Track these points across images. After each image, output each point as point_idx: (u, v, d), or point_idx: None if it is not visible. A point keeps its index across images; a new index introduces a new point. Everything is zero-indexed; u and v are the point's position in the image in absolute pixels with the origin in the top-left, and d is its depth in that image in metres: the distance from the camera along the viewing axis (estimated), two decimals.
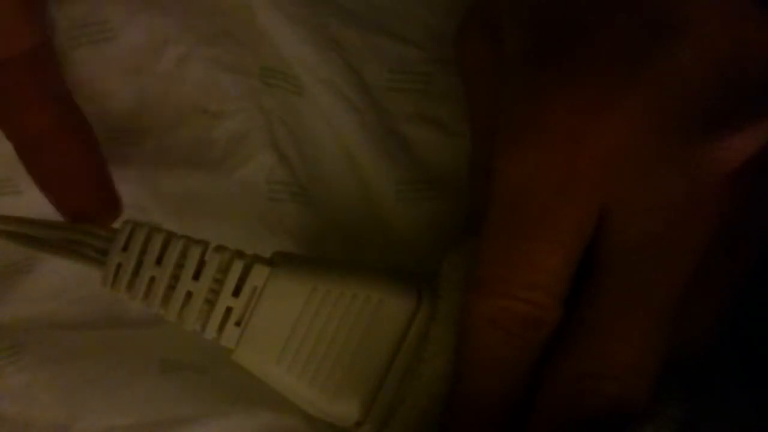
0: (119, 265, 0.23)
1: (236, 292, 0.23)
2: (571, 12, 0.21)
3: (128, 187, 0.27)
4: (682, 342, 0.22)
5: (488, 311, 0.22)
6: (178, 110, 0.28)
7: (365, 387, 0.24)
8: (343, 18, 0.27)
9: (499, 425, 0.22)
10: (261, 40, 0.27)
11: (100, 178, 0.25)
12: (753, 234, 0.23)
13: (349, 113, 0.27)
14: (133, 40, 0.27)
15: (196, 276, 0.23)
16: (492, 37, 0.24)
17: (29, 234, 0.23)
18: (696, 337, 0.23)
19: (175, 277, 0.23)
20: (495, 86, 0.23)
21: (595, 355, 0.21)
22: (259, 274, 0.23)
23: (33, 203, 0.26)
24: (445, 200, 0.28)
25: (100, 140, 0.26)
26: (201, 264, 0.23)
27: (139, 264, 0.23)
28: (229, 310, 0.23)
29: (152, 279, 0.23)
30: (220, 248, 0.23)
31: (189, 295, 0.23)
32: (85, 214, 0.24)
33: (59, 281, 0.28)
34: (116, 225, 0.24)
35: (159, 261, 0.23)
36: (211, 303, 0.23)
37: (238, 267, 0.23)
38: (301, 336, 0.23)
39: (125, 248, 0.23)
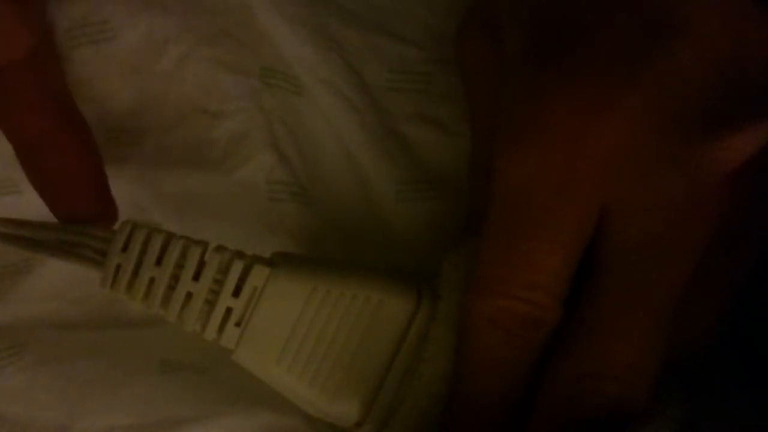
0: (118, 266, 0.23)
1: (236, 293, 0.23)
2: (571, 12, 0.21)
3: (128, 187, 0.27)
4: (682, 342, 0.22)
5: (488, 311, 0.22)
6: (178, 110, 0.28)
7: (365, 387, 0.24)
8: (343, 18, 0.27)
9: (499, 425, 0.22)
10: (261, 40, 0.27)
11: (97, 183, 0.24)
12: (753, 234, 0.23)
13: (349, 113, 0.27)
14: (133, 40, 0.27)
15: (196, 276, 0.23)
16: (492, 37, 0.24)
17: (27, 236, 0.23)
18: (696, 337, 0.23)
19: (175, 278, 0.23)
20: (495, 86, 0.23)
21: (595, 355, 0.21)
22: (259, 275, 0.23)
23: (33, 203, 0.26)
24: (445, 200, 0.28)
25: (100, 140, 0.25)
26: (201, 264, 0.23)
27: (139, 265, 0.23)
28: (229, 310, 0.23)
29: (152, 280, 0.23)
30: (219, 248, 0.23)
31: (189, 295, 0.23)
32: (79, 219, 0.24)
33: (59, 281, 0.28)
34: (115, 226, 0.24)
35: (159, 261, 0.23)
36: (211, 303, 0.23)
37: (238, 267, 0.23)
38: (301, 336, 0.23)
39: (124, 249, 0.23)
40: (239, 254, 0.23)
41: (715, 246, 0.21)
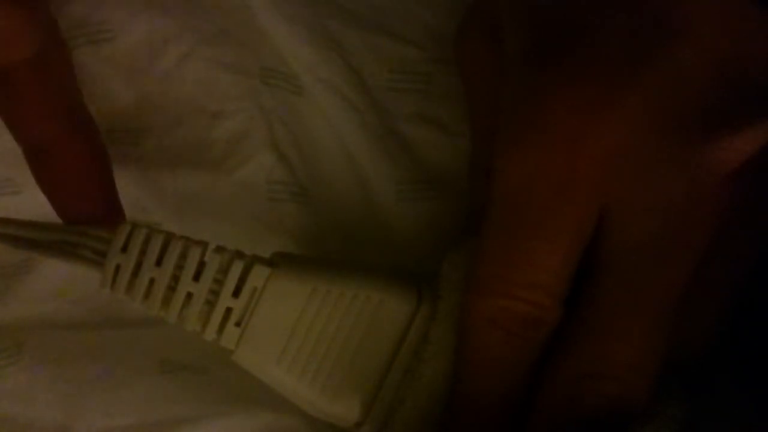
0: (118, 267, 0.23)
1: (236, 293, 0.23)
2: (571, 12, 0.21)
3: (128, 187, 0.27)
4: (682, 342, 0.22)
5: (488, 311, 0.22)
6: (178, 110, 0.28)
7: (365, 387, 0.23)
8: (343, 18, 0.27)
9: (499, 425, 0.22)
10: (261, 40, 0.27)
11: (104, 186, 0.24)
12: (753, 234, 0.23)
13: (349, 113, 0.27)
14: (133, 40, 0.27)
15: (197, 277, 0.23)
16: (492, 37, 0.24)
17: (26, 236, 0.23)
18: (696, 337, 0.23)
19: (175, 278, 0.23)
20: (495, 86, 0.23)
21: (596, 355, 0.21)
22: (259, 275, 0.23)
23: (33, 203, 0.26)
24: (445, 200, 0.28)
25: None
26: (201, 265, 0.23)
27: (139, 265, 0.23)
28: (229, 310, 0.23)
29: (152, 280, 0.23)
30: (219, 249, 0.23)
31: (189, 296, 0.23)
32: (85, 221, 0.24)
33: (59, 281, 0.28)
34: None
35: (159, 262, 0.23)
36: (211, 304, 0.23)
37: (238, 267, 0.23)
38: (301, 336, 0.23)
39: (124, 249, 0.23)
40: (239, 254, 0.23)
41: (715, 246, 0.21)
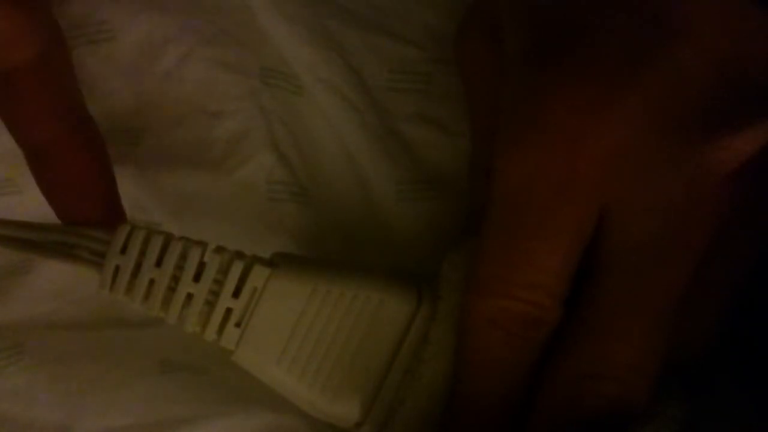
0: (117, 268, 0.23)
1: (236, 293, 0.23)
2: (571, 12, 0.21)
3: (128, 187, 0.27)
4: (682, 342, 0.22)
5: (488, 311, 0.22)
6: (178, 110, 0.27)
7: (365, 388, 0.23)
8: (343, 18, 0.27)
9: (499, 426, 0.22)
10: (261, 40, 0.27)
11: (105, 189, 0.24)
12: (753, 234, 0.23)
13: (349, 113, 0.27)
14: (133, 40, 0.27)
15: (197, 277, 0.23)
16: (492, 37, 0.24)
17: (25, 238, 0.23)
18: (696, 337, 0.23)
19: (175, 279, 0.23)
20: (495, 86, 0.23)
21: (596, 355, 0.21)
22: (258, 275, 0.23)
23: (33, 203, 0.26)
24: (445, 200, 0.28)
25: None
26: (200, 265, 0.23)
27: (138, 266, 0.23)
28: (228, 311, 0.23)
29: (151, 281, 0.23)
30: (219, 249, 0.23)
31: (189, 296, 0.23)
32: (86, 224, 0.24)
33: (59, 281, 0.28)
34: None
35: (158, 263, 0.23)
36: (210, 304, 0.23)
37: (238, 268, 0.23)
38: (301, 337, 0.23)
39: (123, 251, 0.23)
40: (239, 255, 0.23)
41: (715, 246, 0.21)
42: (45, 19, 0.24)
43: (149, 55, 0.27)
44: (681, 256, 0.21)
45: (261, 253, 0.24)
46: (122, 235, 0.23)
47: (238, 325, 0.23)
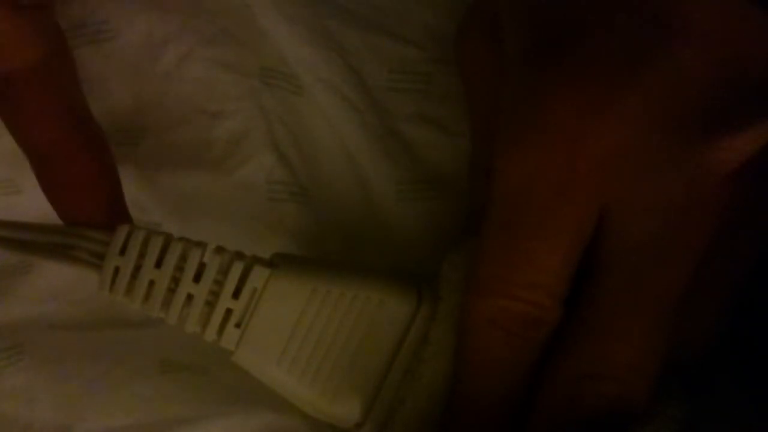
0: (116, 269, 0.23)
1: (236, 294, 0.23)
2: (571, 12, 0.21)
3: (128, 187, 0.26)
4: (682, 342, 0.22)
5: (488, 311, 0.22)
6: (178, 110, 0.28)
7: (366, 388, 0.23)
8: (343, 18, 0.27)
9: (499, 426, 0.22)
10: (261, 40, 0.27)
11: (110, 194, 0.24)
12: (753, 234, 0.23)
13: (349, 113, 0.27)
14: (133, 40, 0.27)
15: (197, 278, 0.23)
16: (492, 37, 0.24)
17: (23, 239, 0.23)
18: (696, 337, 0.23)
19: (175, 280, 0.23)
20: (495, 86, 0.23)
21: (596, 355, 0.21)
22: (258, 276, 0.23)
23: (33, 203, 0.26)
24: (445, 200, 0.28)
25: None
26: (200, 266, 0.23)
27: (137, 267, 0.23)
28: (229, 311, 0.23)
29: (151, 282, 0.23)
30: (219, 250, 0.23)
31: (189, 297, 0.23)
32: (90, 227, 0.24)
33: (59, 282, 0.28)
34: None
35: (158, 264, 0.23)
36: (210, 305, 0.23)
37: (238, 268, 0.23)
38: (301, 337, 0.23)
39: (122, 252, 0.23)
40: (239, 255, 0.23)
41: (715, 246, 0.21)
42: (47, 23, 0.24)
43: (149, 55, 0.27)
44: (681, 256, 0.21)
45: (261, 253, 0.24)
46: (121, 236, 0.23)
47: (238, 325, 0.23)
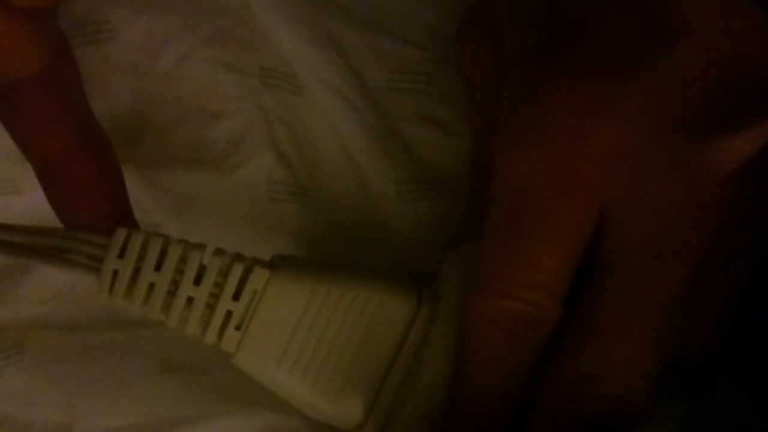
0: (115, 272, 0.23)
1: (236, 296, 0.23)
2: (571, 12, 0.21)
3: (128, 187, 0.26)
4: (682, 342, 0.22)
5: (488, 311, 0.22)
6: (178, 110, 0.28)
7: (366, 389, 0.23)
8: (343, 18, 0.27)
9: (499, 426, 0.22)
10: (261, 40, 0.27)
11: (115, 201, 0.24)
12: (753, 234, 0.23)
13: (349, 113, 0.27)
14: (133, 40, 0.27)
15: (197, 281, 0.23)
16: (492, 37, 0.24)
17: (21, 242, 0.23)
18: (696, 337, 0.23)
19: (175, 283, 0.23)
20: (495, 86, 0.23)
21: (596, 355, 0.21)
22: (258, 278, 0.23)
23: (33, 203, 0.26)
24: (445, 200, 0.28)
25: None
26: (200, 268, 0.23)
27: (136, 270, 0.23)
28: (229, 314, 0.23)
29: (151, 285, 0.23)
30: (219, 252, 0.23)
31: (190, 300, 0.23)
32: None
33: (59, 282, 0.28)
34: None
35: (157, 267, 0.23)
36: (211, 307, 0.23)
37: (238, 270, 0.23)
38: (301, 339, 0.23)
39: (121, 255, 0.23)
40: (239, 257, 0.23)
41: (715, 246, 0.21)
42: (51, 32, 0.24)
43: (149, 55, 0.27)
44: (681, 256, 0.21)
45: (261, 253, 0.24)
46: (120, 239, 0.23)
47: (238, 327, 0.23)
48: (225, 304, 0.23)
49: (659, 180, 0.20)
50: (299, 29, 0.27)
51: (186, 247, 0.23)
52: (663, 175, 0.20)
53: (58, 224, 0.24)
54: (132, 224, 0.24)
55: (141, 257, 0.23)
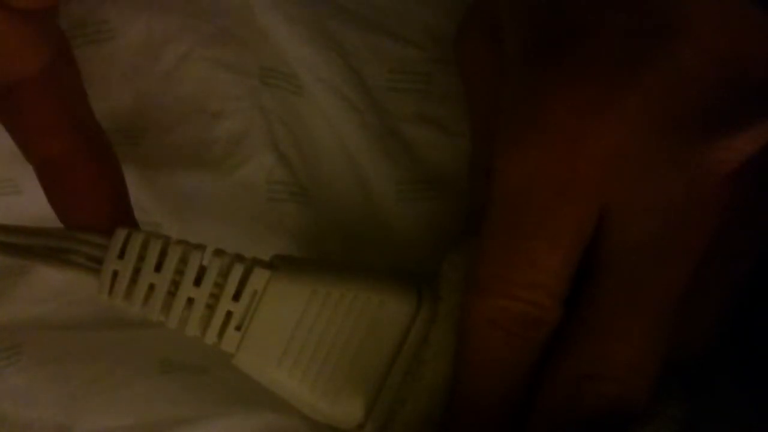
0: (115, 273, 0.23)
1: (236, 296, 0.23)
2: (571, 12, 0.21)
3: (128, 187, 0.27)
4: (682, 342, 0.22)
5: (488, 311, 0.22)
6: (178, 110, 0.28)
7: (367, 389, 0.23)
8: (343, 18, 0.27)
9: (499, 426, 0.22)
10: (261, 40, 0.27)
11: (115, 203, 0.24)
12: (753, 234, 0.23)
13: (349, 113, 0.27)
14: (133, 40, 0.27)
15: (197, 281, 0.23)
16: (492, 37, 0.24)
17: (20, 243, 0.23)
18: (696, 337, 0.23)
19: (175, 284, 0.23)
20: (495, 86, 0.23)
21: (596, 355, 0.21)
22: (258, 278, 0.23)
23: (33, 203, 0.26)
24: (445, 200, 0.28)
25: None
26: (200, 269, 0.23)
27: (136, 271, 0.23)
28: (229, 314, 0.23)
29: (151, 286, 0.23)
30: (219, 252, 0.23)
31: (190, 301, 0.23)
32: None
33: (58, 282, 0.28)
34: None
35: (158, 268, 0.23)
36: (211, 308, 0.23)
37: (238, 271, 0.23)
38: (301, 339, 0.23)
39: (121, 256, 0.23)
40: (239, 258, 0.23)
41: (715, 246, 0.21)
42: (52, 33, 0.24)
43: (149, 55, 0.27)
44: (681, 256, 0.21)
45: (261, 253, 0.24)
46: (119, 240, 0.23)
47: (238, 328, 0.23)
48: (225, 304, 0.23)
49: (659, 180, 0.20)
50: (299, 29, 0.27)
51: (186, 247, 0.23)
52: (663, 175, 0.20)
53: (58, 224, 0.24)
54: (132, 224, 0.24)
55: (141, 258, 0.23)
